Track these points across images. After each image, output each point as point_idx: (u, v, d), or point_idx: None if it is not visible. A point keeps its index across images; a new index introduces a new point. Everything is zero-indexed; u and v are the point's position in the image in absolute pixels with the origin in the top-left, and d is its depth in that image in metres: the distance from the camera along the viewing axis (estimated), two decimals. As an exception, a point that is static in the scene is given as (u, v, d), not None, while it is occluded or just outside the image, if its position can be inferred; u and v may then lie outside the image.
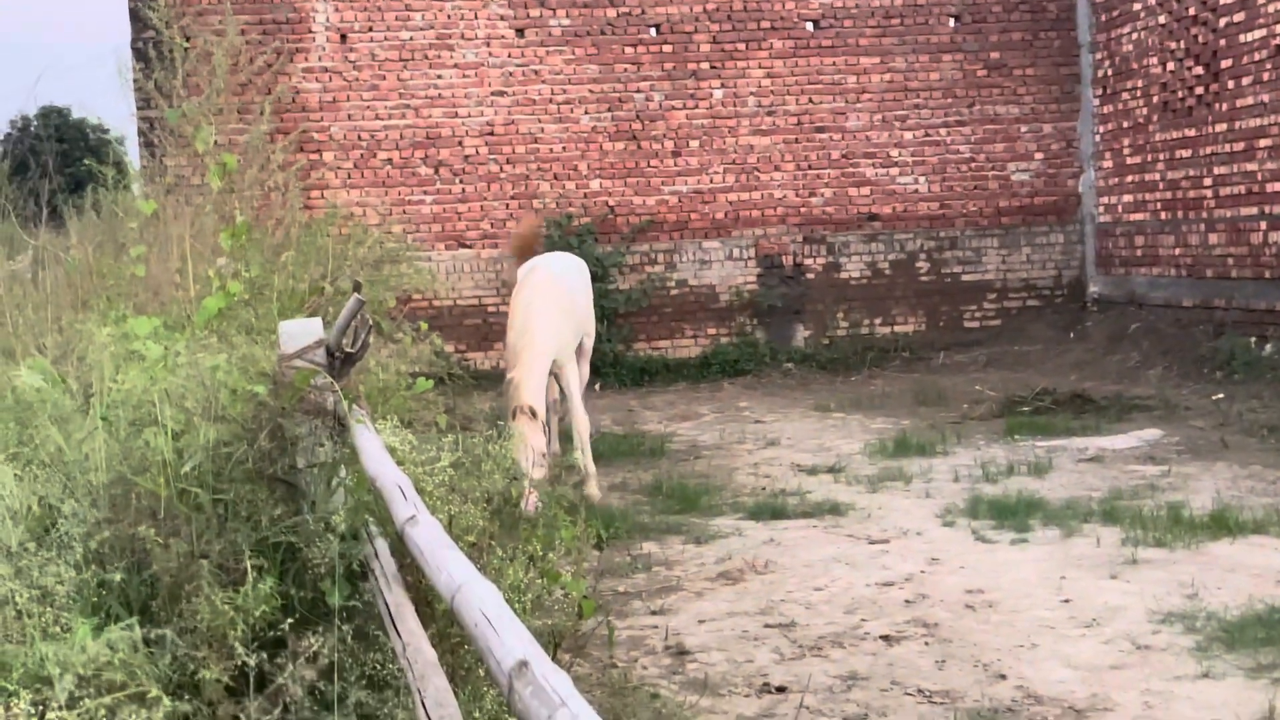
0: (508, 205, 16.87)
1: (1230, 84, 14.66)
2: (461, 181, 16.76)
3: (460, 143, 16.73)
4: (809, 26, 17.35)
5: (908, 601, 6.94)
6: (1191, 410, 12.73)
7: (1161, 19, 15.87)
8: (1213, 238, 15.08)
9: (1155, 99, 16.12)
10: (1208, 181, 15.12)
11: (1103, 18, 17.22)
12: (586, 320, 10.46)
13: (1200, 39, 15.17)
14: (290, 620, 3.60)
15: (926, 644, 6.21)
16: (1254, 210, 14.32)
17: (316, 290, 6.69)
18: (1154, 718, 5.14)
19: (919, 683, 5.67)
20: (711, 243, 17.24)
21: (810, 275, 17.47)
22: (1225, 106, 14.75)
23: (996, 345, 17.44)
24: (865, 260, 17.59)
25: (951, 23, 17.61)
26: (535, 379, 8.75)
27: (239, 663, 3.41)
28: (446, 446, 4.54)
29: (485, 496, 4.26)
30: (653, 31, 17.05)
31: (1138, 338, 16.11)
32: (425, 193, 16.67)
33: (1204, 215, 15.23)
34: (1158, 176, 16.13)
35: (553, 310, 9.34)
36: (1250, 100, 14.31)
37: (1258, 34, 14.13)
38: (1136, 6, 16.41)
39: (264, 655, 3.49)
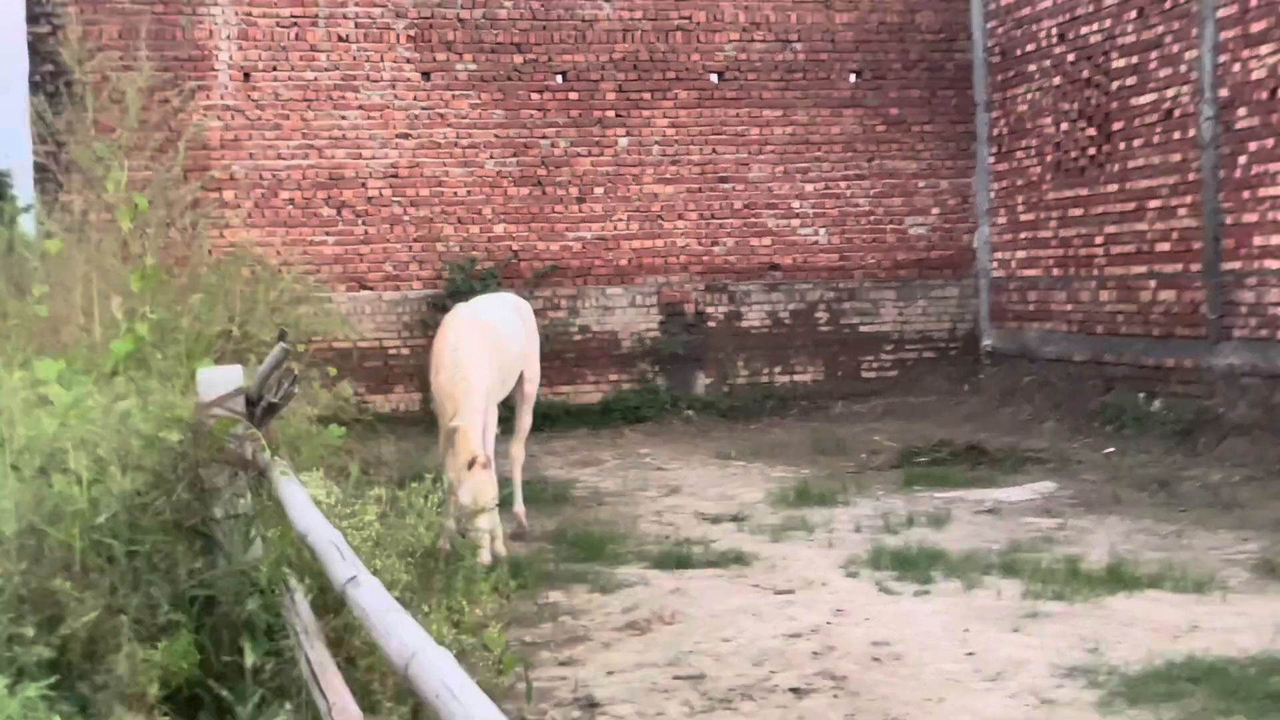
0: (410, 248, 16.81)
1: (1122, 145, 15.04)
2: (364, 223, 16.67)
3: (363, 184, 16.66)
4: (713, 78, 17.53)
5: (815, 653, 6.99)
6: (1084, 464, 12.98)
7: (1056, 80, 16.26)
8: (1104, 295, 15.42)
9: (1049, 158, 16.49)
10: (1099, 240, 15.47)
11: (998, 78, 17.60)
12: (520, 363, 10.42)
13: (1093, 101, 15.56)
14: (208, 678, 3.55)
15: (835, 697, 6.25)
16: (1143, 269, 14.68)
17: (224, 334, 6.62)
18: (1060, 772, 5.23)
19: (829, 736, 5.71)
20: (615, 289, 17.30)
21: (711, 323, 17.60)
22: (1117, 167, 15.13)
23: (893, 396, 17.66)
24: (766, 309, 17.76)
25: (852, 78, 17.89)
26: (480, 425, 8.75)
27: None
28: (372, 498, 4.50)
29: (409, 550, 4.24)
30: (559, 79, 17.12)
31: (1030, 391, 16.41)
32: (327, 233, 16.56)
33: (1095, 273, 15.57)
34: (1051, 234, 16.48)
35: (481, 353, 9.26)
36: (1141, 162, 14.68)
37: (1149, 98, 14.52)
38: (1031, 68, 16.79)
39: (176, 713, 3.43)
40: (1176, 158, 14.09)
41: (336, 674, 3.27)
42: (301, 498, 3.70)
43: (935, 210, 18.13)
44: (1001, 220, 17.63)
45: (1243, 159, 13.13)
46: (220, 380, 4.49)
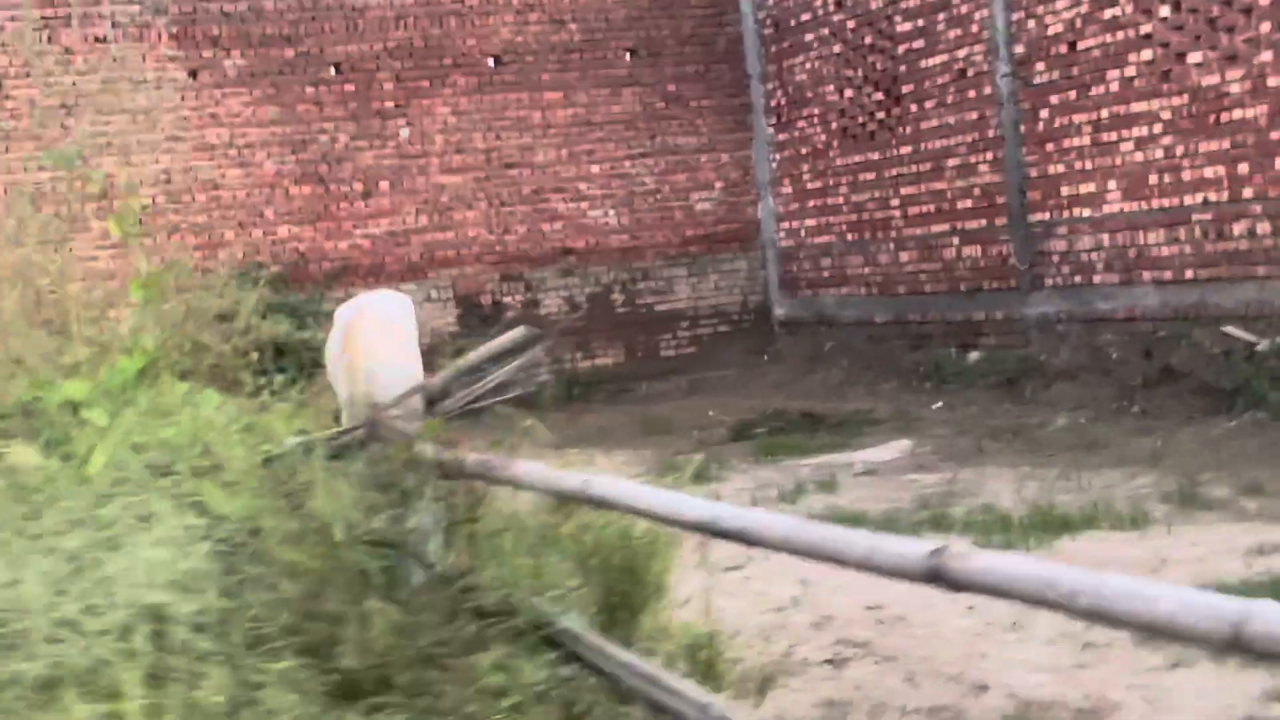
0: (192, 257, 15.86)
1: (913, 108, 15.36)
2: (139, 234, 15.64)
3: (135, 192, 15.63)
4: (491, 63, 17.15)
5: (816, 625, 6.83)
6: (923, 420, 13.20)
7: (836, 48, 16.49)
8: (904, 256, 15.74)
9: (834, 125, 16.72)
10: (895, 202, 15.78)
11: (772, 49, 17.76)
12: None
13: (879, 66, 15.84)
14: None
15: (876, 663, 6.10)
16: (945, 227, 15.03)
17: (176, 347, 6.02)
18: (1170, 708, 5.20)
19: (905, 703, 5.56)
20: (409, 285, 16.71)
21: (510, 313, 17.23)
22: (909, 130, 15.45)
23: (694, 372, 17.65)
24: (563, 295, 17.52)
25: (628, 57, 17.78)
26: None
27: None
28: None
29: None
30: (333, 71, 16.46)
31: (835, 356, 16.64)
32: (99, 248, 15.47)
33: (893, 235, 15.88)
34: (841, 200, 16.73)
35: (409, 366, 8.69)
36: (935, 122, 15.02)
37: (939, 59, 14.86)
38: (809, 37, 16.99)
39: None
40: (973, 116, 14.47)
41: (675, 676, 2.95)
42: (644, 489, 3.33)
43: (719, 184, 18.20)
44: (786, 190, 17.82)
45: (1044, 112, 13.56)
46: (397, 379, 4.11)
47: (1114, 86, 12.72)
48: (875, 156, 16.03)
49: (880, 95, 15.90)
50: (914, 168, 15.41)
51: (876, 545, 2.51)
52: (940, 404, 13.81)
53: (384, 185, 16.67)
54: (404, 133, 16.74)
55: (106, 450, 4.00)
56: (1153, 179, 12.41)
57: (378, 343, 8.70)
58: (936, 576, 2.28)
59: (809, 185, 17.33)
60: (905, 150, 15.52)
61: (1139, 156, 12.53)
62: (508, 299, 17.24)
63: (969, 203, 14.68)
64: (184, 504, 3.49)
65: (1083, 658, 5.88)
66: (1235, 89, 11.55)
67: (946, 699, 5.55)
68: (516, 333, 3.99)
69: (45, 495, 3.56)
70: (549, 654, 3.55)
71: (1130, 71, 12.54)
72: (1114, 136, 12.77)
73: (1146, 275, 12.60)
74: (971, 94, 14.48)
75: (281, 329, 7.76)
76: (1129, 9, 12.48)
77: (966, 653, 6.12)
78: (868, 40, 15.97)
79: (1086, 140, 13.09)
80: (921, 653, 6.19)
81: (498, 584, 3.67)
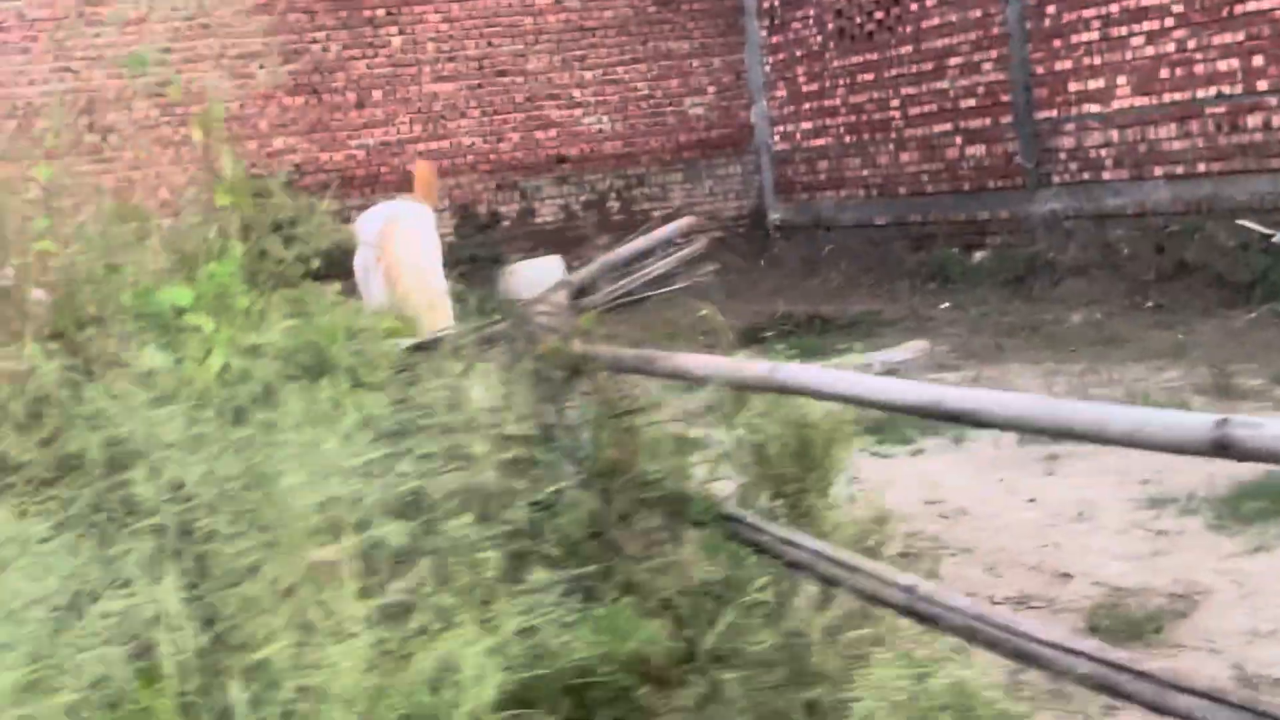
0: (185, 170, 15.66)
1: (914, 7, 15.22)
2: (133, 147, 15.45)
3: (128, 106, 15.39)
4: (480, -33, 16.90)
5: (878, 520, 6.84)
6: (934, 320, 13.20)
7: (832, -53, 16.32)
8: (904, 156, 15.67)
9: (830, 26, 16.57)
10: (895, 103, 15.68)
11: (764, -50, 17.56)
12: None
13: (877, -35, 15.69)
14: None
15: (952, 556, 6.13)
16: (948, 127, 14.96)
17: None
18: (1258, 592, 5.25)
19: (992, 593, 5.59)
20: (404, 195, 16.57)
21: (506, 222, 17.12)
22: (909, 29, 15.32)
23: (691, 277, 17.57)
24: (558, 203, 17.40)
25: (619, -41, 17.56)
26: None
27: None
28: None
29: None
30: (323, -22, 16.19)
31: (834, 259, 16.61)
32: (94, 162, 15.26)
33: (893, 136, 15.79)
34: (839, 102, 16.61)
35: (440, 272, 8.60)
36: (937, 20, 14.90)
37: (940, -44, 14.72)
38: (802, -64, 16.80)
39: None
40: (977, 14, 14.35)
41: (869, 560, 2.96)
42: (841, 374, 3.31)
43: (711, 89, 18.05)
44: (780, 93, 17.68)
45: (1051, 8, 13.46)
46: (540, 275, 4.10)
47: (1124, -20, 12.63)
48: (874, 57, 15.91)
49: (879, -6, 15.75)
50: (914, 68, 15.30)
51: (1145, 418, 2.47)
52: (947, 304, 13.81)
53: (377, 95, 16.46)
54: (396, 41, 16.51)
55: (223, 354, 3.95)
56: (1164, 73, 12.36)
57: (416, 249, 8.64)
58: (1223, 448, 2.26)
59: (804, 88, 17.20)
60: (906, 50, 15.40)
61: (1150, 51, 12.47)
62: (503, 208, 17.11)
63: (972, 102, 14.60)
64: (335, 403, 3.46)
65: (1161, 546, 5.93)
66: (1250, -20, 11.49)
67: (1033, 588, 5.58)
68: (679, 223, 3.93)
69: (188, 397, 3.53)
70: (729, 544, 3.56)
71: (1141, -35, 12.45)
72: (1124, 31, 12.70)
73: (1157, 170, 12.59)
74: (975, -9, 14.35)
75: (343, 234, 7.59)
76: (1139, -99, 12.37)
77: (1040, 544, 6.15)
78: (865, -62, 15.81)
79: (1095, 35, 13.01)
80: (994, 544, 6.23)
81: (661, 475, 3.68)
